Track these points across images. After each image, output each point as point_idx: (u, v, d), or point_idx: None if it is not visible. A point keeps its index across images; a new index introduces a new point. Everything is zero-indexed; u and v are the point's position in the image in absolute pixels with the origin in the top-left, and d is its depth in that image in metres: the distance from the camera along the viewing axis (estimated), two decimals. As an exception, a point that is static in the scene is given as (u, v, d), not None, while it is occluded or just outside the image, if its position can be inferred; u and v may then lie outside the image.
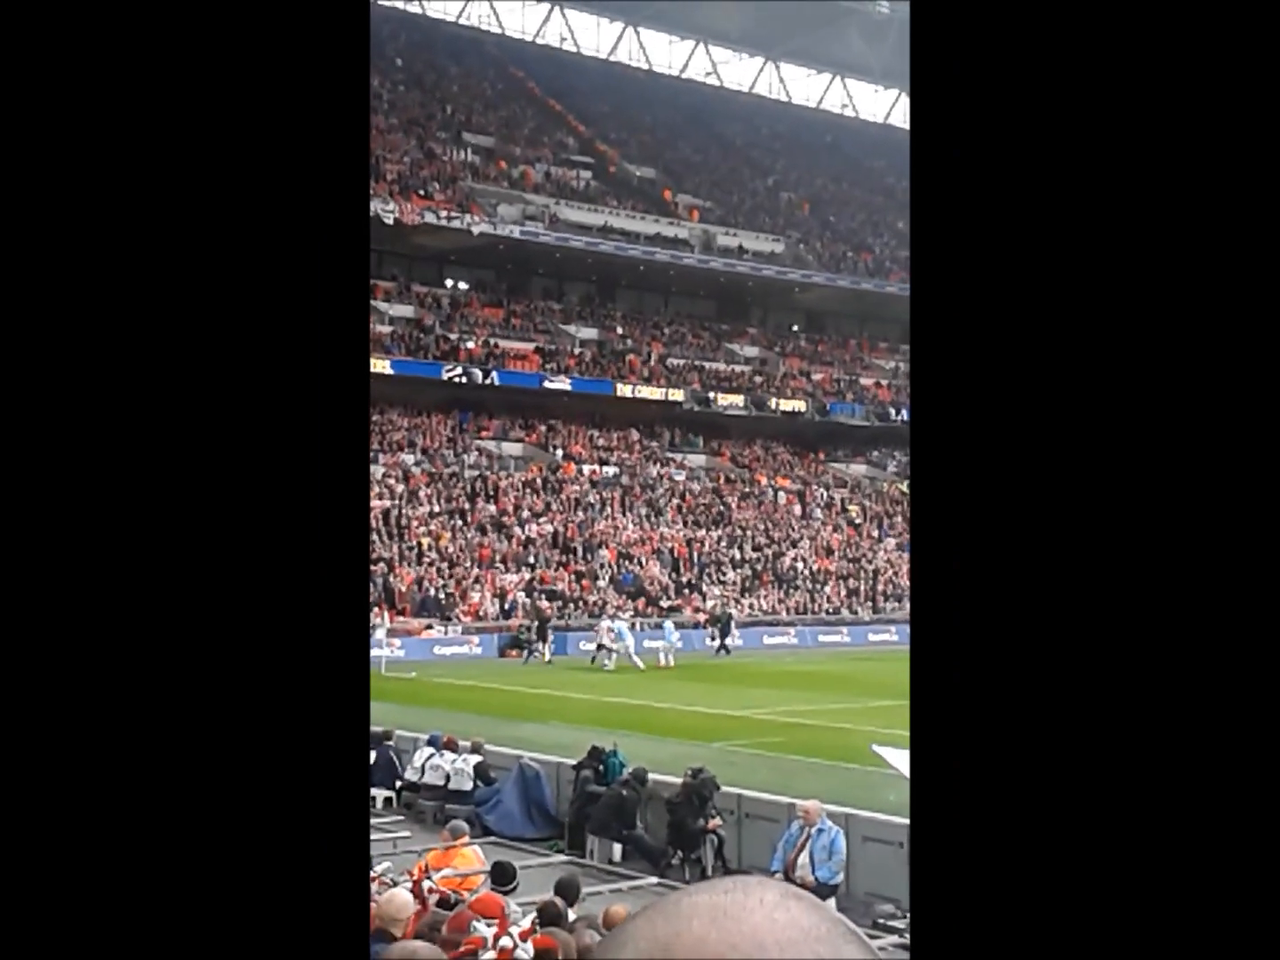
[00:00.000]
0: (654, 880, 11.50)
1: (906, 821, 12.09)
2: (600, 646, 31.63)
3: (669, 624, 33.55)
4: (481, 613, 36.29)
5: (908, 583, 35.79)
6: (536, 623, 33.92)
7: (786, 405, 52.44)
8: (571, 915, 7.08)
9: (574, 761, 14.49)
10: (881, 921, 10.89)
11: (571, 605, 37.79)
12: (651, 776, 13.53)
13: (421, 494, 40.86)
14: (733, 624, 36.16)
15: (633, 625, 33.57)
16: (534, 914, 6.65)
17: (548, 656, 32.73)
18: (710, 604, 38.53)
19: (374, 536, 35.59)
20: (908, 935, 10.35)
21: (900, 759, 14.35)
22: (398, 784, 15.60)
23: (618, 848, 13.12)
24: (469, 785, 14.70)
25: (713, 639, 35.27)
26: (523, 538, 40.30)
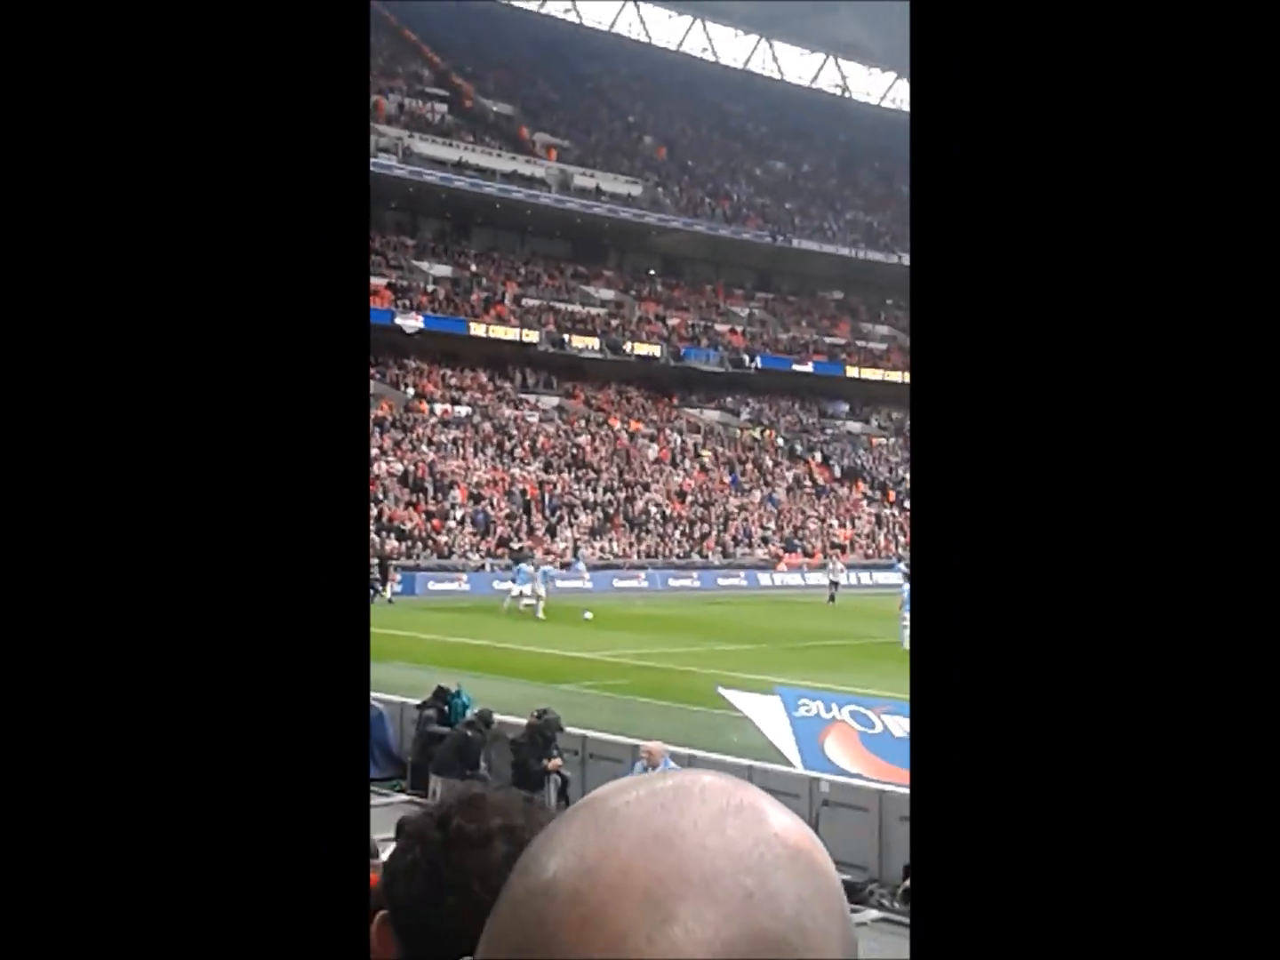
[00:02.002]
0: (496, 821, 11.45)
1: (748, 762, 12.29)
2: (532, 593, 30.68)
3: None
4: (328, 552, 35.70)
5: (757, 529, 36.12)
6: (377, 561, 33.37)
7: (641, 349, 52.45)
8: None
9: (418, 701, 14.34)
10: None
11: (420, 545, 37.43)
12: (497, 717, 13.47)
13: (267, 430, 39.95)
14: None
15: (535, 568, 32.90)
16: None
17: (388, 596, 32.34)
18: (517, 546, 38.06)
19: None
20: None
21: (744, 701, 14.53)
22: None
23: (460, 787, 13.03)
24: (309, 726, 14.45)
25: (513, 580, 34.63)
26: (372, 476, 39.72)
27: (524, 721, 13.14)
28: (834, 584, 35.10)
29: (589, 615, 29.21)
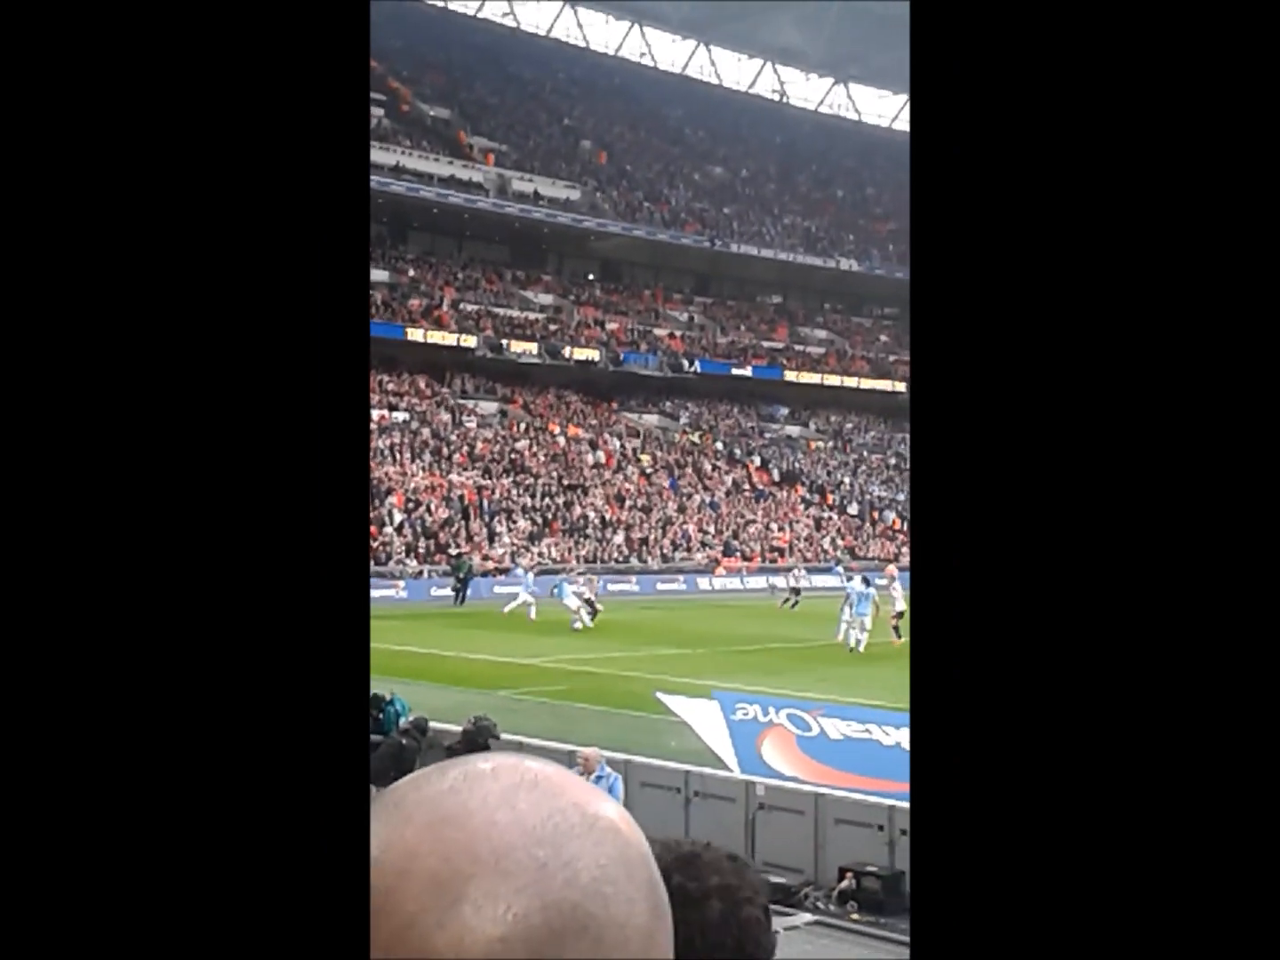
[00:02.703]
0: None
1: (685, 767, 12.27)
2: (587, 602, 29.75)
3: None
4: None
5: (696, 534, 36.06)
6: None
7: (580, 354, 52.38)
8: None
9: (351, 710, 14.20)
10: (658, 866, 10.97)
11: (358, 552, 37.14)
12: (433, 725, 13.37)
13: (201, 437, 39.53)
14: (472, 572, 35.48)
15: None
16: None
17: None
18: (456, 552, 37.91)
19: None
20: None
21: (682, 706, 14.52)
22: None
23: (395, 797, 12.93)
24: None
25: (454, 589, 34.66)
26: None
27: (459, 729, 13.06)
28: (795, 590, 34.82)
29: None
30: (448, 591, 34.76)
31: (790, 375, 57.99)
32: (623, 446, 50.25)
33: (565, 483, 45.43)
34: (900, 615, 25.87)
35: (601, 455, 48.62)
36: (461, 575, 34.74)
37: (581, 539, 42.36)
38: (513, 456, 45.97)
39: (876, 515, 50.81)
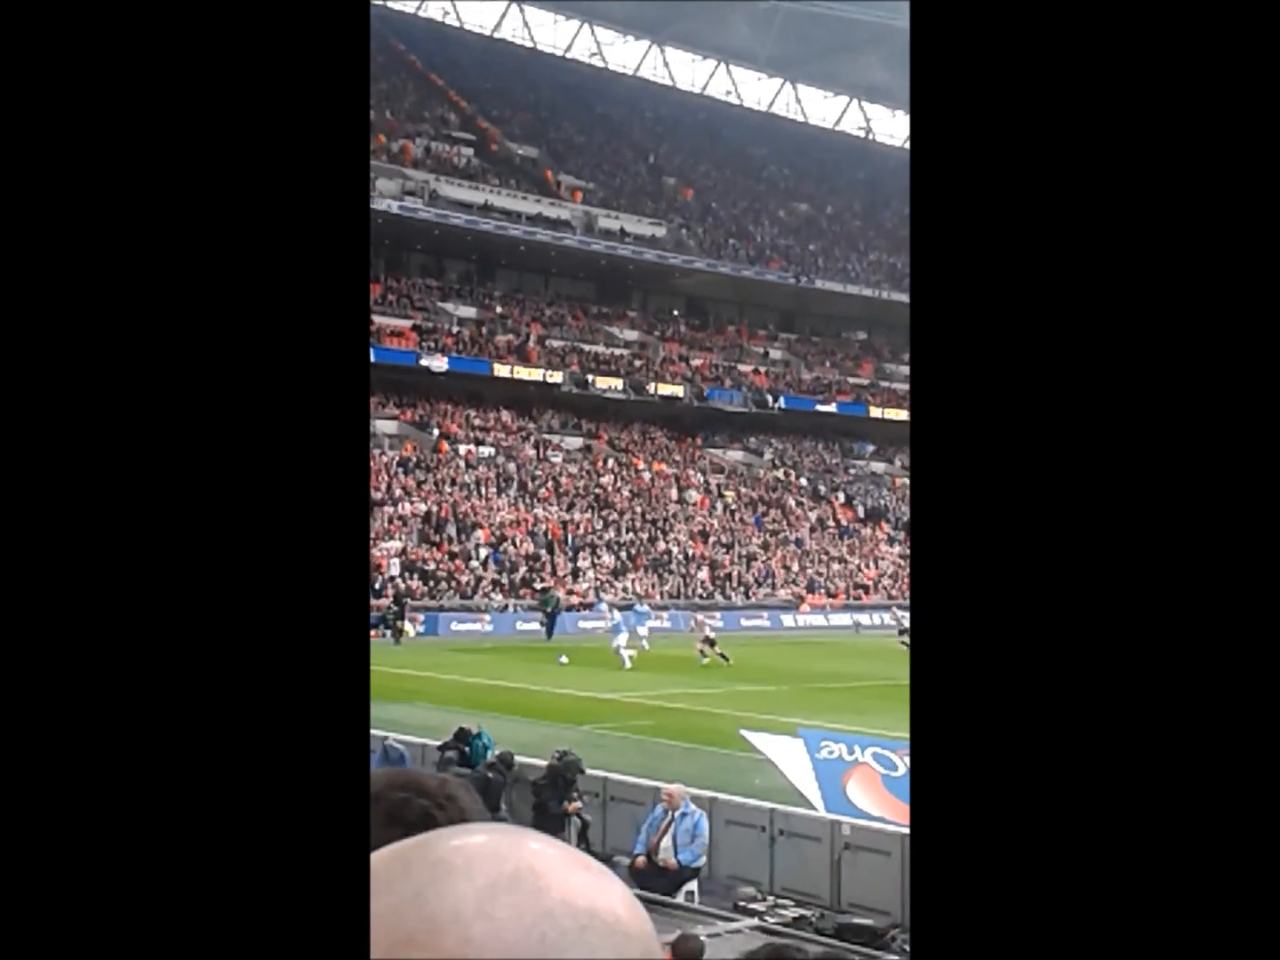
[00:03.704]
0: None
1: (770, 805, 12.19)
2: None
3: None
4: (352, 592, 35.71)
5: (780, 570, 35.65)
6: (392, 602, 33.25)
7: (665, 390, 52.54)
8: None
9: (439, 743, 14.33)
10: (742, 904, 10.93)
11: (445, 585, 37.46)
12: (518, 759, 13.44)
13: (292, 471, 40.07)
14: (559, 606, 35.68)
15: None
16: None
17: (411, 634, 32.38)
18: (541, 586, 38.09)
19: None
20: (769, 919, 10.38)
21: (766, 743, 14.47)
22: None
23: (481, 830, 13.00)
24: (332, 767, 14.42)
25: (542, 623, 34.85)
26: (395, 516, 39.82)
27: (545, 763, 13.12)
28: (904, 630, 34.30)
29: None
30: (533, 625, 34.94)
31: (875, 411, 57.66)
32: (707, 482, 50.25)
33: (649, 518, 45.51)
34: None
35: (689, 492, 48.66)
36: (549, 609, 34.93)
37: (665, 574, 42.37)
38: (597, 491, 46.15)
39: (963, 553, 50.20)
